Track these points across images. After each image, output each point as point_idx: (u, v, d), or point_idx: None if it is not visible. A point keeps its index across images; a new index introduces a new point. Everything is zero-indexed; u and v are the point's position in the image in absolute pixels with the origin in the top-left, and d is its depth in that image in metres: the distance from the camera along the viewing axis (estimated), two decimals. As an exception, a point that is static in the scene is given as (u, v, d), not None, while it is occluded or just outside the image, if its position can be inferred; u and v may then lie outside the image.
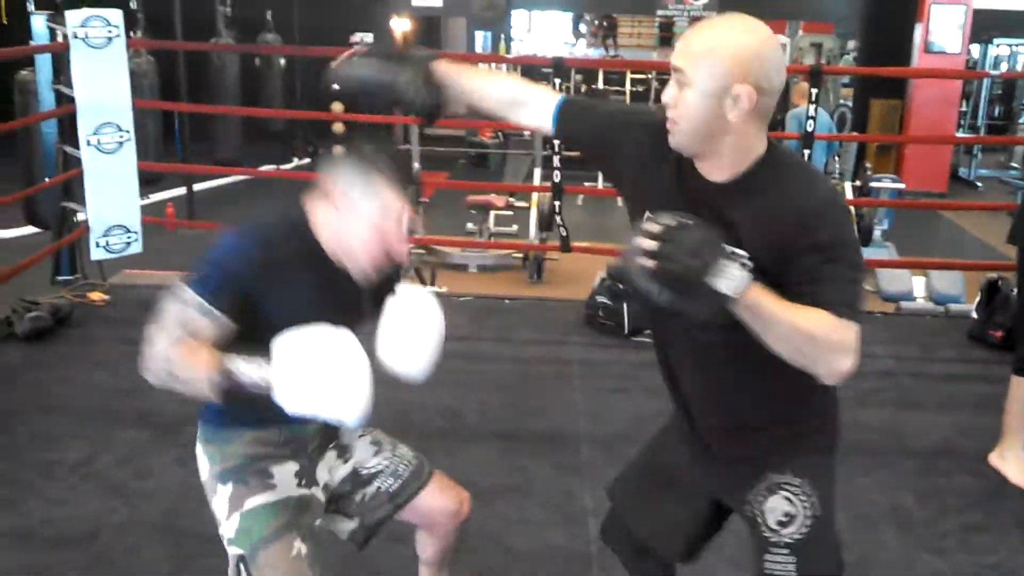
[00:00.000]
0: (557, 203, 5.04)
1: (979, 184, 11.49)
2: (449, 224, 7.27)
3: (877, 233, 6.95)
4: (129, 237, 4.78)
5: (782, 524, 1.66)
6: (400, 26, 11.77)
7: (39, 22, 5.03)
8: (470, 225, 7.32)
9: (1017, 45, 13.09)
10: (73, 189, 4.90)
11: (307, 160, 11.63)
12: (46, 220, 5.35)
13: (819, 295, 1.43)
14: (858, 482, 3.15)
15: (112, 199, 4.70)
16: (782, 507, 1.67)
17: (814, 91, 4.81)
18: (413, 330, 1.69)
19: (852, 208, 6.33)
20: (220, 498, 1.81)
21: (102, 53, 4.48)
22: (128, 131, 4.64)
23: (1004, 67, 12.95)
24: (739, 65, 1.45)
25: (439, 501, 1.99)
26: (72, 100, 4.55)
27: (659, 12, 10.84)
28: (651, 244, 1.37)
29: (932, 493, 3.13)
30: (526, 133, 10.66)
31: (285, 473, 1.82)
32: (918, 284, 5.47)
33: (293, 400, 1.50)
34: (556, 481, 3.14)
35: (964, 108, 12.16)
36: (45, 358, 4.02)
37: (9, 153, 5.88)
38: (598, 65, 15.98)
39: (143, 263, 5.13)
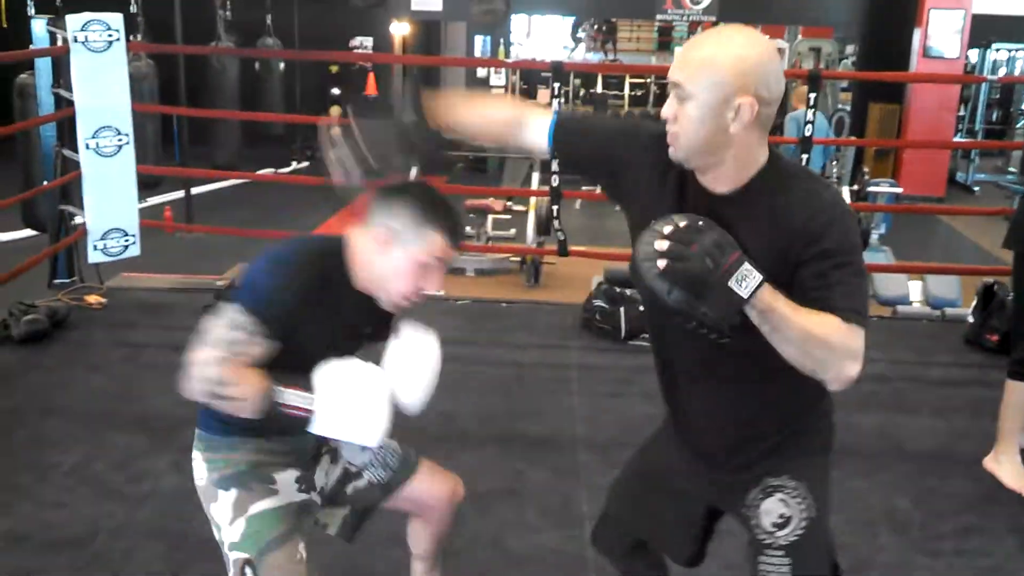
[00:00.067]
0: (555, 207, 5.05)
1: (976, 189, 11.51)
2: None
3: (874, 237, 6.95)
4: (127, 240, 4.78)
5: (777, 526, 1.67)
6: (399, 30, 11.80)
7: (39, 26, 5.03)
8: (468, 229, 7.32)
9: (1015, 50, 13.13)
10: (71, 192, 4.90)
11: (306, 164, 11.66)
12: (44, 223, 5.35)
13: (829, 300, 1.43)
14: (854, 485, 3.15)
15: (110, 202, 4.70)
16: (778, 509, 1.67)
17: (812, 96, 4.83)
18: (415, 368, 1.74)
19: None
20: (222, 504, 1.82)
21: (102, 57, 4.49)
22: (127, 134, 4.64)
23: (1002, 72, 12.99)
24: (739, 77, 1.45)
25: (431, 485, 2.05)
26: (71, 103, 4.55)
27: (658, 17, 10.84)
28: (664, 244, 1.36)
29: (928, 496, 3.13)
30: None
31: (286, 479, 1.86)
32: (915, 288, 5.47)
33: (327, 426, 1.63)
34: (553, 485, 3.14)
35: (962, 113, 12.19)
36: (42, 361, 4.02)
37: (8, 156, 5.89)
38: (597, 69, 16.02)
39: (141, 266, 5.14)
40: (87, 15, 4.45)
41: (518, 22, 17.37)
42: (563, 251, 5.02)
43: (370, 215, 1.75)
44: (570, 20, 19.86)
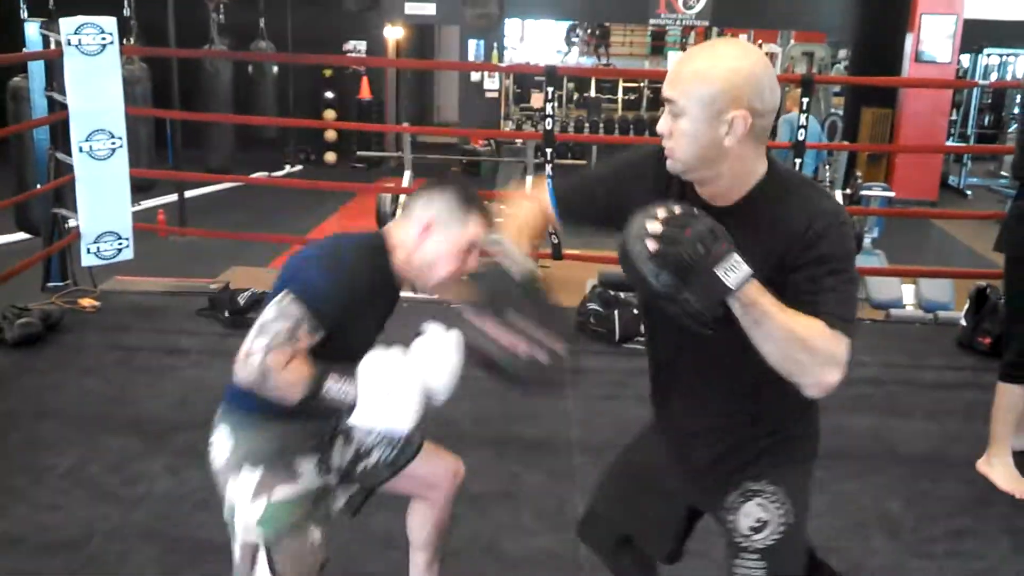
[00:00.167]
0: (549, 210, 5.05)
1: (969, 193, 11.55)
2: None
3: (867, 241, 6.96)
4: (120, 244, 4.78)
5: (754, 530, 1.68)
6: (393, 34, 11.80)
7: (32, 29, 5.02)
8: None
9: (1007, 55, 13.19)
10: (65, 195, 4.90)
11: (299, 167, 11.65)
12: (37, 226, 5.35)
13: (818, 305, 1.44)
14: (847, 488, 3.16)
15: (104, 205, 4.70)
16: (756, 513, 1.68)
17: (805, 100, 4.84)
18: (442, 361, 1.79)
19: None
20: (244, 480, 1.85)
21: (95, 60, 4.48)
22: (120, 138, 4.64)
23: (994, 76, 13.05)
24: (731, 90, 1.45)
25: (435, 464, 2.15)
26: (65, 107, 4.55)
27: (651, 21, 10.87)
28: (658, 227, 1.37)
29: (921, 499, 3.14)
30: (518, 141, 10.69)
31: (308, 464, 1.91)
32: (908, 292, 5.49)
33: (366, 416, 1.69)
34: (548, 487, 3.15)
35: (954, 117, 12.25)
36: (35, 364, 4.02)
37: (1, 159, 5.87)
38: (591, 73, 16.05)
39: (134, 270, 5.13)
40: (80, 18, 4.44)
41: (512, 26, 17.38)
42: (557, 255, 5.02)
43: (408, 209, 1.90)
44: (563, 24, 19.90)
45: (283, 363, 1.67)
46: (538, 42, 20.16)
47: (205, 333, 4.40)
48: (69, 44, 4.41)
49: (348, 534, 2.76)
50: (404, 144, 7.21)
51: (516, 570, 2.71)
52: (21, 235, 6.06)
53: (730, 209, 1.53)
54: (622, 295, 4.60)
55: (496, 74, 11.70)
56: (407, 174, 6.33)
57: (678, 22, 10.67)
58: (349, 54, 11.73)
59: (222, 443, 1.89)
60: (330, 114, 11.93)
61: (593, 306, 4.62)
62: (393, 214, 6.08)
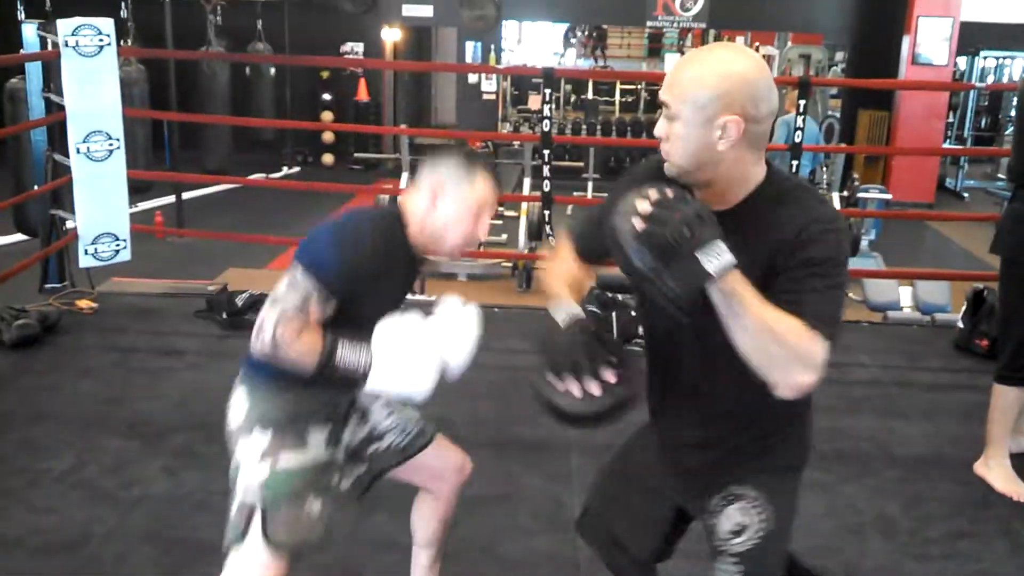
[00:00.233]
0: (547, 212, 5.06)
1: (966, 195, 11.58)
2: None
3: (864, 243, 6.99)
4: (118, 245, 4.77)
5: (734, 534, 1.68)
6: (390, 36, 11.80)
7: (30, 30, 5.02)
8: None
9: (1003, 57, 13.21)
10: (62, 197, 4.89)
11: (296, 169, 11.65)
12: (35, 227, 5.34)
13: (800, 305, 1.43)
14: (844, 490, 3.17)
15: (101, 207, 4.69)
16: (736, 518, 1.69)
17: (802, 102, 4.85)
18: (459, 333, 1.86)
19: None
20: (255, 441, 1.89)
21: (93, 61, 4.48)
22: (118, 139, 4.64)
23: (990, 79, 13.07)
24: (723, 96, 1.46)
25: (444, 456, 2.19)
26: (62, 108, 4.54)
27: (648, 23, 10.87)
28: (648, 207, 1.37)
29: (918, 501, 3.14)
30: (515, 143, 10.70)
31: (318, 435, 1.95)
32: (905, 294, 5.50)
33: (382, 380, 1.74)
34: (545, 489, 3.15)
35: (951, 119, 12.26)
36: (33, 366, 4.01)
37: (-2, 161, 5.88)
38: (588, 76, 16.08)
39: (131, 271, 5.12)
40: (78, 20, 4.44)
41: (509, 28, 17.40)
42: (555, 256, 5.03)
43: (417, 180, 1.93)
44: (561, 26, 19.92)
45: (295, 334, 1.72)
46: (535, 44, 20.20)
47: (203, 335, 4.39)
48: (66, 45, 4.41)
49: (348, 535, 2.77)
50: (401, 146, 7.22)
51: (514, 571, 2.71)
52: (19, 236, 6.07)
53: (727, 213, 1.53)
54: (620, 297, 4.61)
55: (493, 76, 11.71)
56: (404, 176, 6.34)
57: (675, 24, 10.68)
58: (346, 56, 11.74)
59: (239, 405, 1.94)
60: (327, 116, 11.93)
61: (591, 308, 4.62)
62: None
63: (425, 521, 2.22)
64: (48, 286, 4.97)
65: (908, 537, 2.93)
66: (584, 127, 12.73)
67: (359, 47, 11.95)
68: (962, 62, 12.49)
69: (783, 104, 7.83)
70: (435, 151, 1.95)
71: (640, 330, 1.88)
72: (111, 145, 4.62)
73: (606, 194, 1.80)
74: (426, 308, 1.85)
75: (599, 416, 1.60)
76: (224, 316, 4.51)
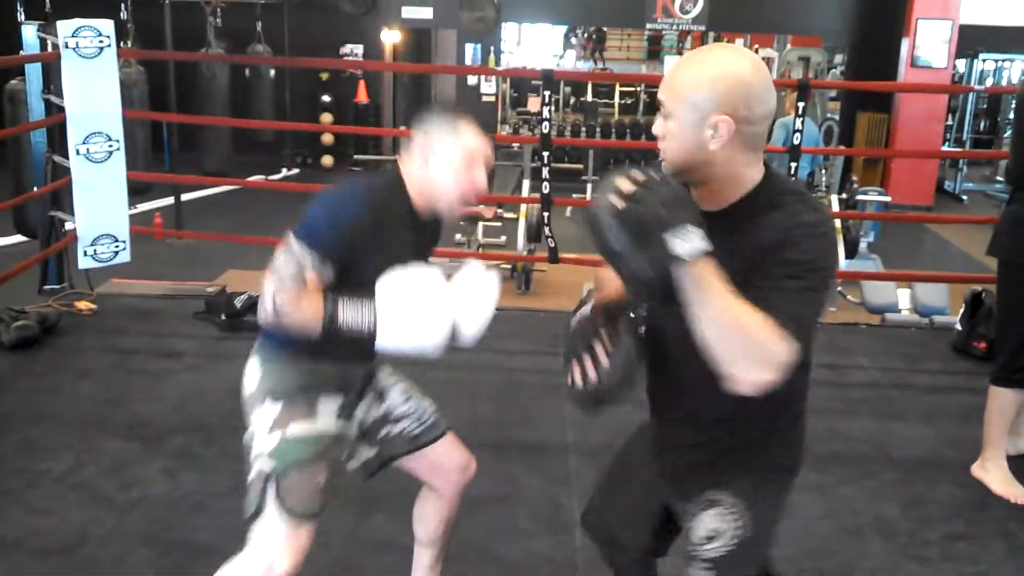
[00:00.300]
0: (546, 214, 5.07)
1: (964, 197, 11.59)
2: (438, 235, 7.28)
3: (863, 245, 7.00)
4: (117, 246, 4.77)
5: (707, 539, 1.69)
6: (390, 38, 11.81)
7: (29, 32, 5.03)
8: (458, 236, 7.34)
9: (1002, 60, 13.21)
10: (62, 198, 4.90)
11: (296, 170, 11.66)
12: (34, 229, 5.35)
13: (771, 301, 1.42)
14: (842, 492, 3.17)
15: (100, 208, 4.69)
16: (711, 524, 1.69)
17: (801, 104, 4.86)
18: (476, 298, 1.87)
19: (838, 223, 6.39)
20: (266, 412, 1.94)
21: (92, 63, 4.48)
22: (118, 141, 4.64)
23: (989, 82, 13.07)
24: (716, 96, 1.47)
25: (452, 452, 2.21)
26: (62, 109, 4.55)
27: (648, 25, 10.87)
28: (630, 187, 1.37)
29: (916, 503, 3.15)
30: (515, 145, 10.71)
31: (329, 406, 1.98)
32: (903, 296, 5.50)
33: (389, 336, 1.75)
34: (544, 491, 3.15)
35: (950, 122, 12.27)
36: (32, 367, 4.01)
37: (-2, 162, 5.89)
38: (587, 78, 16.10)
39: (131, 272, 5.12)
40: (78, 21, 4.44)
41: (508, 30, 17.42)
42: (554, 258, 5.04)
43: (409, 143, 1.95)
44: (560, 28, 19.95)
45: (294, 301, 1.77)
46: (535, 46, 20.22)
47: (202, 336, 4.40)
48: (66, 47, 4.41)
49: (347, 535, 2.77)
50: (401, 147, 7.21)
51: (513, 572, 2.71)
52: (18, 238, 6.07)
53: (720, 213, 1.54)
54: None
55: (493, 78, 11.72)
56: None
57: (674, 26, 10.68)
58: (346, 58, 11.74)
59: (252, 374, 1.98)
60: (327, 117, 11.93)
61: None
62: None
63: (427, 521, 2.23)
64: (47, 287, 4.97)
65: (906, 539, 2.94)
66: (583, 129, 12.74)
67: (359, 49, 11.96)
68: (961, 65, 12.50)
69: (783, 106, 7.83)
70: (418, 112, 1.97)
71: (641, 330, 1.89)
72: (111, 146, 4.62)
73: None
74: (448, 272, 1.87)
75: (594, 397, 1.68)
76: (223, 318, 4.51)
